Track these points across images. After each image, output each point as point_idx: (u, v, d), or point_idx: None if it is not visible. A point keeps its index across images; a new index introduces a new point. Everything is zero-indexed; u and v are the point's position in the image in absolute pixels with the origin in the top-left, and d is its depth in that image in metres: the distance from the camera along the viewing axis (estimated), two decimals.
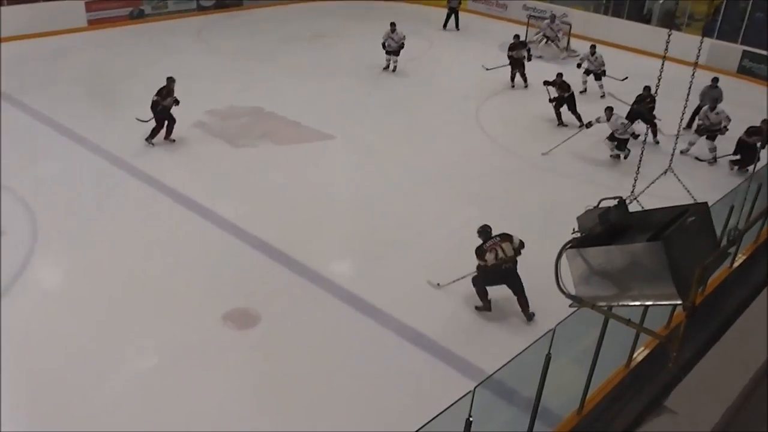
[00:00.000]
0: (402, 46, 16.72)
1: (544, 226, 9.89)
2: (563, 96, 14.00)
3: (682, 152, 12.82)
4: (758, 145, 12.24)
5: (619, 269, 4.62)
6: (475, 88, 16.26)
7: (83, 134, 12.28)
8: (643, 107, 13.18)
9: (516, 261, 8.03)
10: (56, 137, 12.24)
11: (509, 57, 16.48)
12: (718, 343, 4.69)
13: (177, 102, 12.08)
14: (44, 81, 14.75)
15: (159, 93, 11.89)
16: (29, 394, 6.72)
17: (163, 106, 11.89)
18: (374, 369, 7.34)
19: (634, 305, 4.80)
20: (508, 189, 11.48)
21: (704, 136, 12.85)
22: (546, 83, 14.19)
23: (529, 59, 16.59)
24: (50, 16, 17.98)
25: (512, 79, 16.69)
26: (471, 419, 4.66)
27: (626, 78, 15.88)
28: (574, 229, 5.07)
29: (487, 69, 16.80)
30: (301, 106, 14.28)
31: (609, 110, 12.32)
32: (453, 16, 21.52)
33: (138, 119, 12.23)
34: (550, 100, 14.06)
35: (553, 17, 19.63)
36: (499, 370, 5.09)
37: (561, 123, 14.10)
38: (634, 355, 7.26)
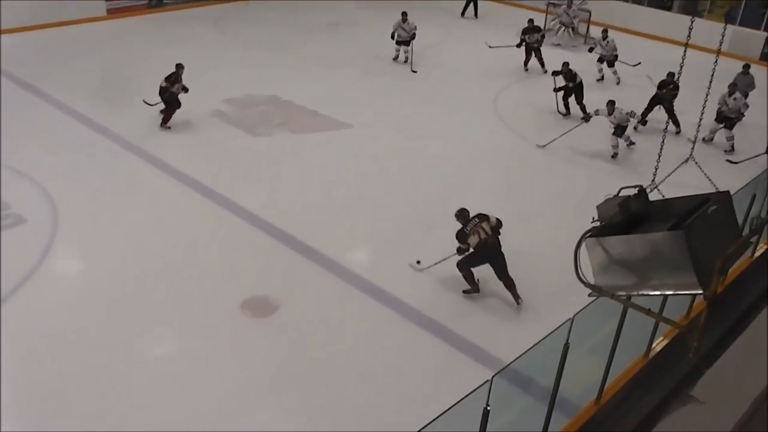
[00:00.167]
0: (414, 36, 16.09)
1: (563, 216, 9.85)
2: (569, 86, 13.63)
3: (704, 140, 12.68)
4: None
5: (639, 258, 4.58)
6: (493, 75, 16.16)
7: (103, 123, 12.35)
8: (666, 94, 13.03)
9: (497, 238, 8.00)
10: (76, 126, 12.31)
11: (522, 41, 16.45)
12: (746, 332, 4.63)
13: (186, 89, 12.18)
14: (64, 70, 14.83)
15: (167, 79, 12.06)
16: (51, 381, 6.80)
17: (171, 92, 12.09)
18: (391, 358, 7.36)
19: (654, 295, 4.77)
20: (526, 178, 11.42)
21: (723, 124, 12.66)
22: (555, 73, 13.95)
23: (540, 44, 16.46)
24: (70, 6, 18.06)
25: (525, 63, 16.67)
26: (488, 408, 4.66)
27: (639, 63, 15.79)
28: (593, 218, 5.04)
29: (490, 47, 17.00)
30: (318, 95, 14.27)
31: (611, 104, 11.91)
32: (472, 4, 21.35)
33: (145, 102, 12.45)
34: (555, 90, 13.72)
35: (569, 3, 19.42)
36: (516, 359, 5.07)
37: (568, 113, 13.83)
38: (653, 345, 7.22)
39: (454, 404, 4.40)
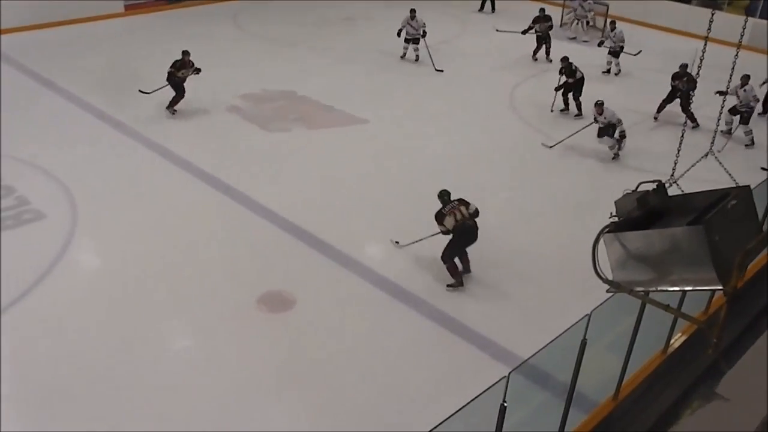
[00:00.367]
0: (424, 33, 15.65)
1: (579, 212, 9.81)
2: (568, 82, 13.36)
3: (722, 132, 12.54)
4: None
5: (658, 254, 4.54)
6: (510, 71, 16.10)
7: (119, 118, 12.44)
8: (681, 85, 12.97)
9: (475, 221, 8.18)
10: (92, 121, 12.41)
11: (530, 28, 16.54)
12: None
13: (198, 70, 12.60)
14: (81, 66, 14.93)
15: (173, 65, 12.42)
16: (69, 371, 6.88)
17: (177, 77, 12.44)
18: (407, 353, 7.36)
19: (673, 290, 4.73)
20: (542, 173, 11.37)
21: (737, 116, 12.52)
22: (561, 71, 13.71)
23: (548, 33, 16.60)
24: (88, 3, 18.16)
25: (534, 53, 16.75)
26: (505, 404, 4.65)
27: (639, 52, 15.89)
28: (611, 213, 5.00)
29: (498, 30, 17.47)
30: (334, 90, 14.28)
31: (600, 104, 11.64)
32: None
33: (141, 91, 12.81)
34: (556, 89, 13.43)
35: None
36: (534, 355, 5.06)
37: (566, 109, 13.66)
38: (672, 341, 7.17)
39: (471, 400, 4.40)
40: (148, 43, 16.61)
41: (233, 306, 7.90)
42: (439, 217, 8.11)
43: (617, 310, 5.74)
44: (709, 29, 6.52)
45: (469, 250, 8.43)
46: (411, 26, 15.75)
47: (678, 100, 13.21)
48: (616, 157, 11.81)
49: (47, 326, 7.46)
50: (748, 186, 4.87)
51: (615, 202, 5.05)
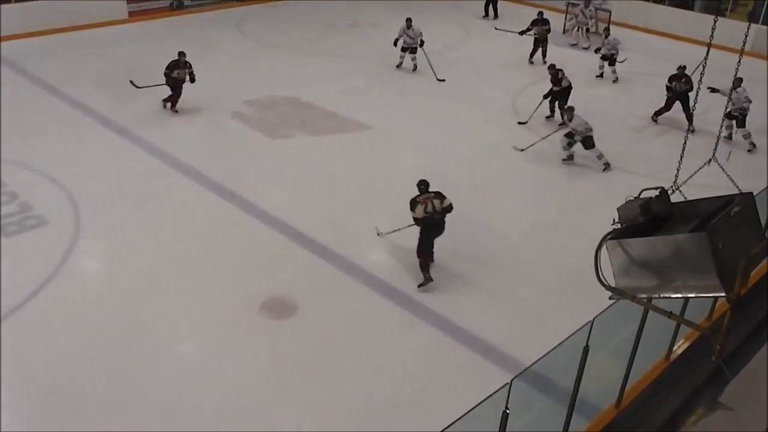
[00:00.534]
0: (422, 43, 15.50)
1: (580, 217, 9.80)
2: (553, 90, 13.23)
3: (724, 138, 12.54)
4: None
5: (661, 260, 4.54)
6: (514, 76, 16.11)
7: (123, 124, 12.47)
8: (678, 86, 13.05)
9: (444, 216, 8.31)
10: (96, 127, 12.45)
11: (528, 30, 16.92)
12: None
13: (192, 77, 12.82)
14: (85, 72, 14.99)
15: (168, 66, 12.69)
16: (71, 376, 6.88)
17: (171, 77, 12.71)
18: (409, 359, 7.34)
19: (676, 297, 4.72)
20: (545, 178, 11.37)
21: (733, 121, 12.52)
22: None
23: (546, 37, 16.92)
24: (92, 9, 18.24)
25: (531, 55, 17.02)
26: (507, 411, 4.63)
27: (625, 59, 16.11)
28: (614, 220, 5.00)
29: (497, 29, 18.28)
30: (338, 96, 14.31)
31: (570, 110, 11.61)
32: (491, 4, 21.31)
33: (132, 83, 13.07)
34: (544, 96, 13.30)
35: (586, 2, 19.34)
36: (536, 362, 5.05)
37: (552, 116, 13.56)
38: (675, 347, 7.14)
39: (474, 407, 4.38)
40: (152, 49, 16.63)
41: (236, 312, 7.90)
42: (412, 203, 8.30)
43: (620, 316, 5.72)
44: (712, 36, 6.53)
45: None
46: (408, 35, 15.65)
47: (676, 106, 13.27)
48: (606, 167, 11.66)
49: (50, 332, 7.46)
50: (751, 193, 4.87)
51: (618, 209, 5.05)
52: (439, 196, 8.34)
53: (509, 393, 4.55)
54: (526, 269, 8.92)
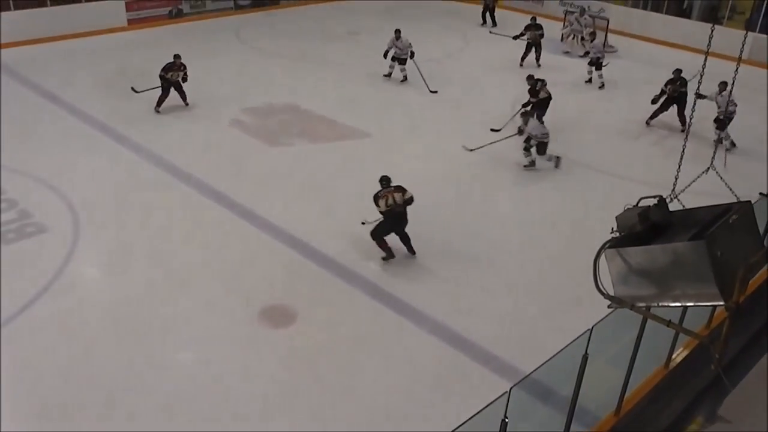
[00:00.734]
0: (412, 54, 15.47)
1: (579, 226, 9.81)
2: (531, 101, 13.09)
3: (714, 141, 12.63)
4: None
5: (659, 269, 4.54)
6: (510, 82, 16.09)
7: (123, 132, 12.48)
8: (674, 90, 13.22)
9: (405, 208, 8.85)
10: (95, 135, 12.46)
11: (522, 35, 17.42)
12: None
13: (185, 77, 13.33)
14: (84, 79, 15.01)
15: (164, 68, 13.17)
16: (70, 385, 6.87)
17: (165, 79, 13.18)
18: (408, 367, 7.33)
19: (675, 306, 4.73)
20: (541, 187, 11.38)
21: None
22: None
23: (539, 41, 17.33)
24: (91, 17, 18.30)
25: (522, 59, 17.39)
26: (506, 420, 4.63)
27: (608, 63, 16.43)
28: (612, 229, 5.01)
29: (491, 32, 19.34)
30: (337, 104, 14.34)
31: (526, 115, 11.72)
32: (489, 12, 21.39)
33: (133, 89, 13.47)
34: (523, 105, 13.11)
35: (582, 10, 19.41)
36: (535, 370, 5.05)
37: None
38: (674, 356, 7.14)
39: (472, 416, 4.38)
40: (150, 57, 16.62)
41: (235, 320, 7.89)
42: (375, 198, 8.83)
43: (619, 324, 5.73)
44: (709, 44, 6.56)
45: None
46: (397, 47, 15.64)
47: (672, 110, 13.45)
48: (531, 165, 11.84)
49: (48, 339, 7.45)
50: (749, 201, 4.88)
51: (616, 218, 5.06)
52: (400, 189, 8.89)
53: (508, 401, 4.55)
54: (525, 277, 8.93)
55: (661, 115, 13.74)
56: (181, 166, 11.36)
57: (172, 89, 13.40)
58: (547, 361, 5.09)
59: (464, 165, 11.94)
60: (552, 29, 18.81)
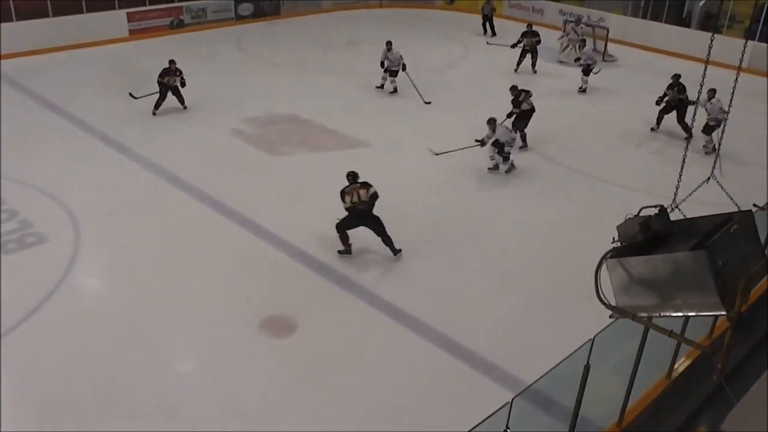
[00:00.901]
0: (404, 67, 15.39)
1: (580, 234, 9.80)
2: (513, 112, 12.96)
3: (704, 146, 12.68)
4: None
5: (661, 278, 4.53)
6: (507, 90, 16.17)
7: (124, 142, 12.51)
8: (672, 97, 13.27)
9: (371, 205, 9.02)
10: (96, 144, 12.50)
11: (519, 42, 17.65)
12: None
13: (183, 82, 13.68)
14: (85, 90, 15.08)
15: (160, 74, 13.66)
16: (71, 393, 6.85)
17: (164, 84, 13.63)
18: (409, 377, 7.31)
19: (676, 316, 4.71)
20: (542, 195, 11.37)
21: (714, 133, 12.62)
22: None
23: (535, 47, 17.59)
24: (93, 27, 18.38)
25: (517, 64, 17.63)
26: (509, 430, 4.61)
27: (599, 71, 16.48)
28: (614, 238, 5.00)
29: (488, 43, 19.67)
30: (337, 114, 14.36)
31: (492, 122, 11.69)
32: (488, 22, 21.46)
33: (131, 95, 13.86)
34: (507, 115, 12.99)
35: (578, 20, 19.46)
36: (537, 381, 5.03)
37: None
38: (676, 366, 7.12)
39: (475, 426, 4.36)
40: (151, 67, 16.69)
41: (236, 329, 7.87)
42: (342, 194, 9.00)
43: (621, 334, 5.71)
44: (709, 53, 6.57)
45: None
46: (388, 59, 15.59)
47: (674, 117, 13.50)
48: (495, 168, 11.93)
49: (50, 348, 7.43)
50: (750, 211, 4.88)
51: (617, 227, 5.05)
52: (365, 186, 9.05)
53: (510, 412, 4.53)
54: (523, 284, 8.91)
55: (663, 123, 13.77)
56: (181, 175, 11.38)
57: (169, 93, 13.71)
58: (549, 371, 5.07)
59: (463, 175, 11.92)
60: (551, 38, 18.92)
